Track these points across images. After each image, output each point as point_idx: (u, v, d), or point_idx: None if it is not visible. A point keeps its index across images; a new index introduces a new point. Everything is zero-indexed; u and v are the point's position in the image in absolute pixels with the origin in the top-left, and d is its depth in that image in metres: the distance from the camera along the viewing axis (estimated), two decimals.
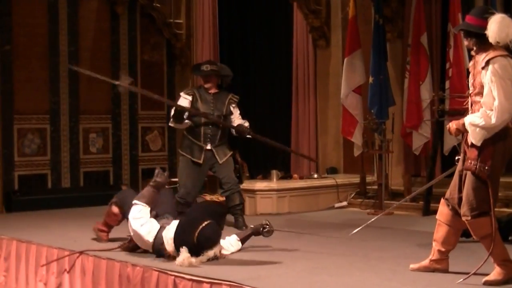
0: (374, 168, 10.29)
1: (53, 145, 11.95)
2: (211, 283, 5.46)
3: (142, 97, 12.42)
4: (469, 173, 5.24)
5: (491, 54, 5.14)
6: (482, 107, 5.14)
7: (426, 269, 5.60)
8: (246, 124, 8.58)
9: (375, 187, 10.03)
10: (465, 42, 5.44)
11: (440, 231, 5.55)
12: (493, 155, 5.13)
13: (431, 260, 5.61)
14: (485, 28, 5.13)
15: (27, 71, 11.69)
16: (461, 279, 5.22)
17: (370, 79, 9.91)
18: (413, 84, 9.62)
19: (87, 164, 12.33)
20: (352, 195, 10.52)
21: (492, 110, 5.07)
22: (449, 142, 9.29)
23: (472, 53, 5.40)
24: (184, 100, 8.52)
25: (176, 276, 5.76)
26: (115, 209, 7.22)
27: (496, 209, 5.34)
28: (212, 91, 8.55)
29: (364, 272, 5.71)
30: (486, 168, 5.13)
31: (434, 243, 5.60)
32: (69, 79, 12.06)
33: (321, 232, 8.12)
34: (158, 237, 6.37)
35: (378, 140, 10.03)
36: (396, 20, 10.33)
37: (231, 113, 8.57)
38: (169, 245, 6.24)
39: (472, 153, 5.19)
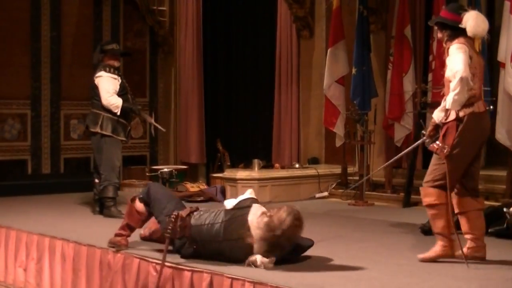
0: (355, 159, 10.32)
1: (33, 131, 11.89)
2: (192, 271, 5.46)
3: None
4: None
5: (453, 42, 5.53)
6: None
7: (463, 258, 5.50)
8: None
9: (356, 178, 10.06)
10: (439, 34, 5.80)
11: (462, 221, 5.67)
12: (456, 137, 5.43)
13: (468, 248, 5.62)
14: (459, 22, 5.53)
15: (8, 56, 11.61)
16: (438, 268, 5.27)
17: (353, 70, 9.92)
18: (396, 76, 9.65)
19: (67, 150, 12.27)
20: (333, 185, 10.55)
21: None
22: None
23: (444, 44, 5.74)
24: (115, 82, 8.49)
25: (157, 264, 5.75)
26: (139, 205, 6.00)
27: None
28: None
29: (344, 262, 5.72)
30: (446, 148, 5.42)
31: (465, 236, 5.66)
32: (51, 65, 12.00)
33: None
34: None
35: (360, 131, 10.04)
36: (380, 12, 10.34)
37: None
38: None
39: (440, 134, 5.55)
